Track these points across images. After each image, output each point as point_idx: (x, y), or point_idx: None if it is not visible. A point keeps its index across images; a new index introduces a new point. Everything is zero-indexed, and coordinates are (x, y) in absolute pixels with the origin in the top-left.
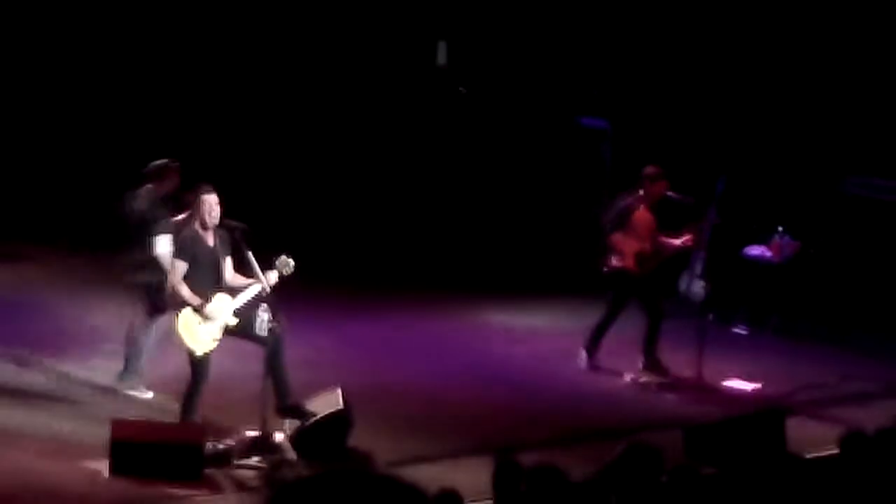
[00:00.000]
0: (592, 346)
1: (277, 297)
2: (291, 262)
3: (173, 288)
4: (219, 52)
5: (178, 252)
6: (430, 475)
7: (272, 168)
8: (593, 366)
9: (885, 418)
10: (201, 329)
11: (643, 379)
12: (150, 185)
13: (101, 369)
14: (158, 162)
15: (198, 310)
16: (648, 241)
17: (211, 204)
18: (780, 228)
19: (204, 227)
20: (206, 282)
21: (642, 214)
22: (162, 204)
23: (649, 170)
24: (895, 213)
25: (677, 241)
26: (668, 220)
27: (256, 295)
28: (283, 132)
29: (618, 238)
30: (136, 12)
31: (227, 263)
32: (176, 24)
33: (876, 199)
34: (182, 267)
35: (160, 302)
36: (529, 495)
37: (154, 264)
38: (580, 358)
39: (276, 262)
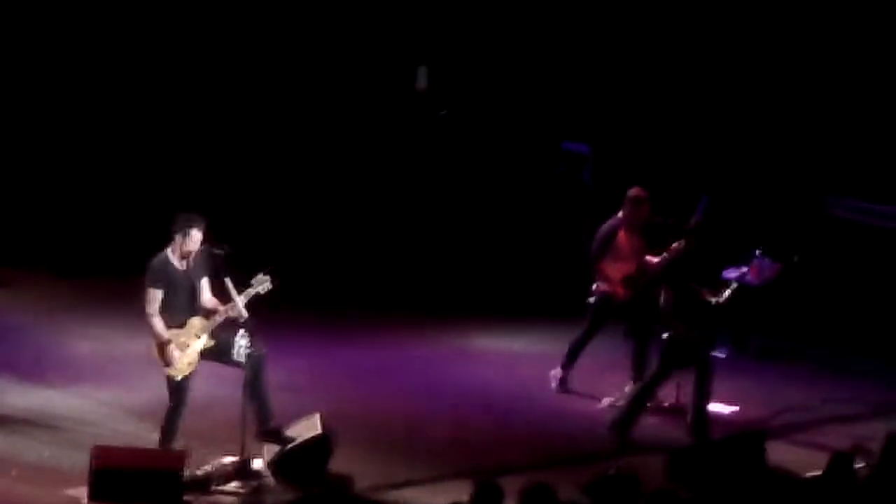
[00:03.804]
0: (568, 363)
1: (257, 322)
2: (269, 279)
3: (149, 319)
4: (198, 72)
5: (152, 280)
6: (410, 499)
7: (253, 190)
8: (564, 382)
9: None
10: (178, 354)
11: (622, 403)
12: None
13: (82, 395)
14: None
15: (163, 347)
16: (634, 262)
17: (195, 238)
18: (758, 251)
19: (180, 255)
20: (181, 306)
21: (625, 236)
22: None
23: (633, 192)
24: (876, 236)
25: (658, 259)
26: (649, 242)
27: (235, 320)
28: (265, 155)
29: (604, 264)
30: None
31: (204, 285)
32: (149, 41)
33: (857, 221)
34: (158, 295)
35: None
36: None
37: None
38: (553, 373)
39: (253, 280)
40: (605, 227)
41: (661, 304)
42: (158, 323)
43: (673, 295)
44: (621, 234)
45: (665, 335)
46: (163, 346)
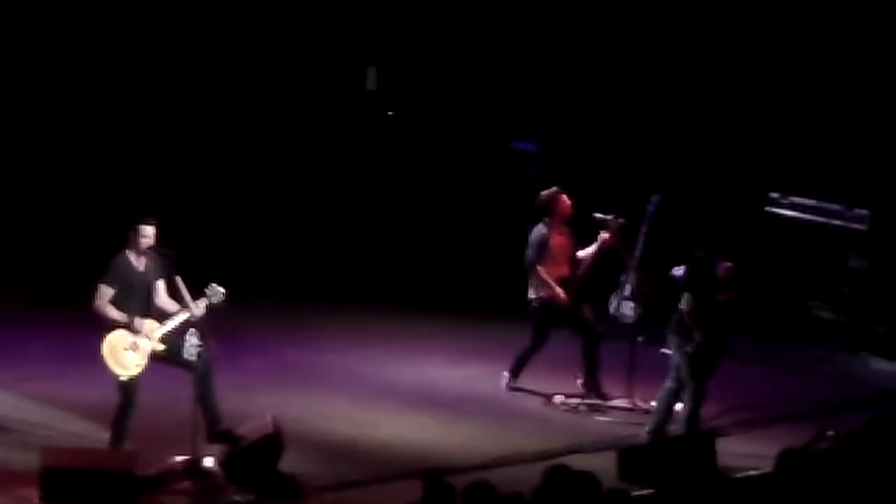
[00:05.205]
0: (517, 370)
1: (208, 322)
2: (221, 290)
3: (99, 311)
4: (150, 76)
5: (107, 276)
6: (360, 499)
7: (205, 192)
8: (514, 388)
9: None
10: (127, 354)
11: (573, 401)
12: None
13: (31, 396)
14: None
15: (128, 326)
16: (568, 264)
17: (146, 233)
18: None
19: (136, 252)
20: (136, 307)
21: (556, 239)
22: None
23: (545, 193)
24: (819, 233)
25: (593, 248)
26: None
27: (186, 319)
28: (215, 156)
29: (540, 270)
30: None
31: (160, 287)
32: (100, 49)
33: (799, 220)
34: (108, 292)
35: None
36: None
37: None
38: (502, 379)
39: (207, 290)
40: (536, 233)
41: (681, 314)
42: (112, 312)
43: (695, 304)
44: (554, 238)
45: (688, 348)
46: (127, 327)
